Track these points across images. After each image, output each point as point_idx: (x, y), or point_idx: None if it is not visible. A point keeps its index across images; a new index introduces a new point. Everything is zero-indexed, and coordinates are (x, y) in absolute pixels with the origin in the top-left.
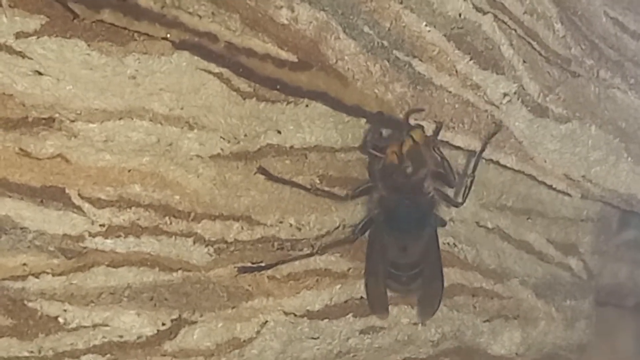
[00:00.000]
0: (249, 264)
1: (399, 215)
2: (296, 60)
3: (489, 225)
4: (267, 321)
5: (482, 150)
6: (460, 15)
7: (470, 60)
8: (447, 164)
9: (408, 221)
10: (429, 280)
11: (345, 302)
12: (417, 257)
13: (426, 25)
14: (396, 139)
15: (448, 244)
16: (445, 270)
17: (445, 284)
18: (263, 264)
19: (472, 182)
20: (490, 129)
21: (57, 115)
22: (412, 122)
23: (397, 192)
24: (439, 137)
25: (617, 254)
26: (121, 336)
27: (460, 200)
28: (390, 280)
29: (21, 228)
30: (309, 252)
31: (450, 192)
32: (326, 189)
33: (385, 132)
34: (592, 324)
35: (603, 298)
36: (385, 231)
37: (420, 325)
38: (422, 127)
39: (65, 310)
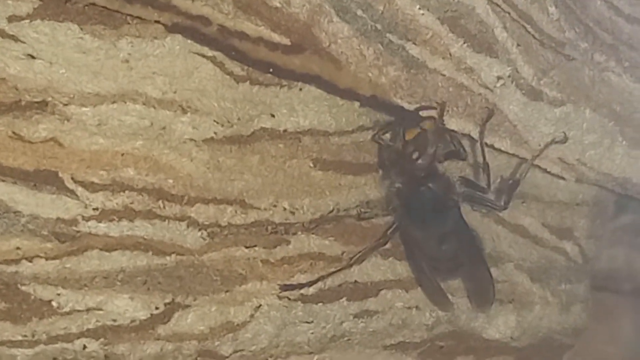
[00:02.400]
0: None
1: (418, 202)
2: (289, 43)
3: (483, 210)
4: (260, 305)
5: (482, 138)
6: None
7: (464, 43)
8: (456, 141)
9: (428, 206)
10: (472, 267)
11: (339, 285)
12: (450, 243)
13: (420, 9)
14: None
15: None
16: None
17: None
18: (304, 282)
19: (515, 186)
20: (484, 112)
21: (50, 98)
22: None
23: (411, 180)
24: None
25: (614, 239)
26: (115, 320)
27: (502, 204)
28: (436, 271)
29: (14, 212)
30: (345, 265)
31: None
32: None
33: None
34: (588, 307)
35: (600, 283)
36: (411, 225)
37: (414, 309)
38: (434, 118)
39: (58, 294)
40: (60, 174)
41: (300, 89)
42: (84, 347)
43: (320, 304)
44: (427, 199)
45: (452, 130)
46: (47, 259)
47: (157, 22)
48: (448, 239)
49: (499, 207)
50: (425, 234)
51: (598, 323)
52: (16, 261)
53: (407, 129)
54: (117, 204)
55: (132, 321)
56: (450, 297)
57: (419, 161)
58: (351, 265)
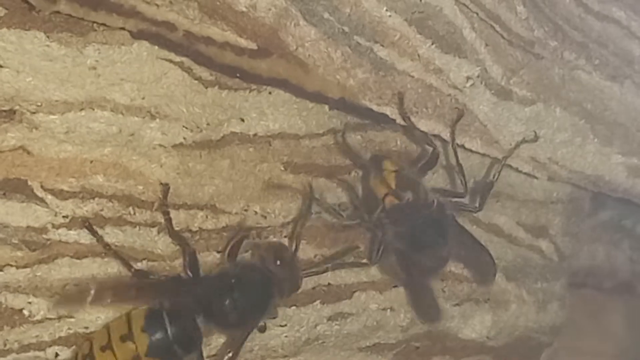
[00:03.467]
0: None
1: (423, 238)
2: (256, 47)
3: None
4: None
5: (453, 139)
6: None
7: (432, 44)
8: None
9: (433, 235)
10: (471, 255)
11: (313, 289)
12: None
13: (387, 10)
14: (377, 184)
15: None
16: None
17: None
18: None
19: (489, 187)
20: (454, 113)
21: (17, 107)
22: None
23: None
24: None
25: (593, 236)
26: (87, 327)
27: (477, 205)
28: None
29: None
30: (324, 269)
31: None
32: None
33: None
34: (565, 305)
35: (581, 280)
36: (413, 255)
37: (389, 310)
38: (382, 156)
39: (30, 303)
40: (29, 182)
41: (270, 93)
42: (56, 355)
43: (294, 307)
44: (428, 229)
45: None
46: (17, 267)
47: (122, 28)
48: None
49: (473, 208)
50: (429, 258)
51: (579, 320)
52: None
53: (383, 179)
54: (87, 211)
55: None
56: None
57: (418, 201)
58: (327, 271)
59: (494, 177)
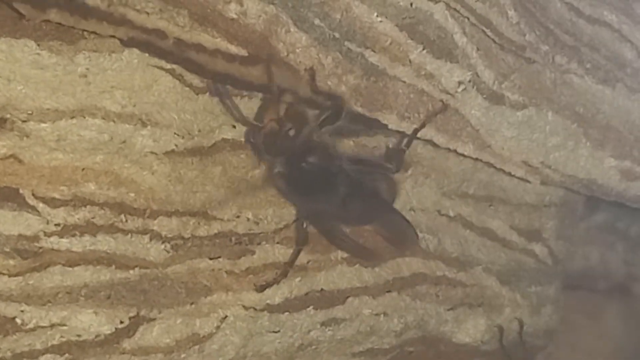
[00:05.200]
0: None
1: (304, 181)
2: (246, 54)
3: (451, 214)
4: (226, 316)
5: (422, 126)
6: (411, 4)
7: (424, 49)
8: (332, 103)
9: (316, 180)
10: (384, 218)
11: (306, 294)
12: (353, 204)
13: (377, 16)
14: (268, 109)
15: None
16: (406, 259)
17: (407, 274)
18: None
19: (403, 153)
20: (446, 117)
21: (8, 115)
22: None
23: (289, 160)
24: None
25: (587, 238)
26: (79, 335)
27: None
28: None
29: None
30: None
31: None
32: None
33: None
34: (559, 309)
35: (575, 282)
36: (307, 203)
37: (382, 315)
38: (291, 88)
39: (22, 311)
40: (20, 191)
41: (261, 99)
42: None
43: (287, 313)
44: (312, 174)
45: (325, 93)
46: (9, 275)
47: (112, 36)
48: (349, 202)
49: (391, 169)
50: (324, 206)
51: (575, 319)
52: None
53: (275, 105)
54: (78, 219)
55: (97, 336)
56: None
57: (298, 137)
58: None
59: (405, 145)
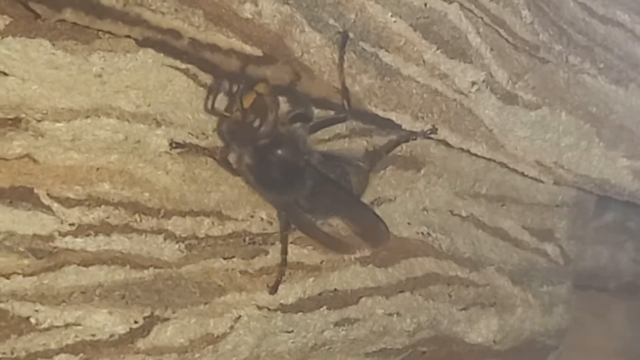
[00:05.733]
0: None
1: (271, 172)
2: (261, 54)
3: (463, 214)
4: (240, 316)
5: (342, 62)
6: (425, 4)
7: (438, 49)
8: (302, 101)
9: (282, 173)
10: (351, 212)
11: (319, 294)
12: (320, 198)
13: (392, 16)
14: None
15: (422, 233)
16: (419, 259)
17: (420, 274)
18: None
19: (380, 157)
20: (459, 118)
21: (23, 115)
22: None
23: (256, 151)
24: None
25: (597, 237)
26: (94, 335)
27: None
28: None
29: None
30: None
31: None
32: None
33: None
34: (571, 308)
35: (585, 281)
36: (275, 195)
37: (395, 315)
38: (266, 79)
39: (36, 311)
40: (35, 190)
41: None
42: None
43: (300, 313)
44: (278, 166)
45: (300, 92)
46: (24, 275)
47: (128, 36)
48: (316, 195)
49: (363, 168)
50: (292, 198)
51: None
52: None
53: (243, 96)
54: (93, 218)
55: (112, 336)
56: (342, 238)
57: (261, 129)
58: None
59: (387, 151)
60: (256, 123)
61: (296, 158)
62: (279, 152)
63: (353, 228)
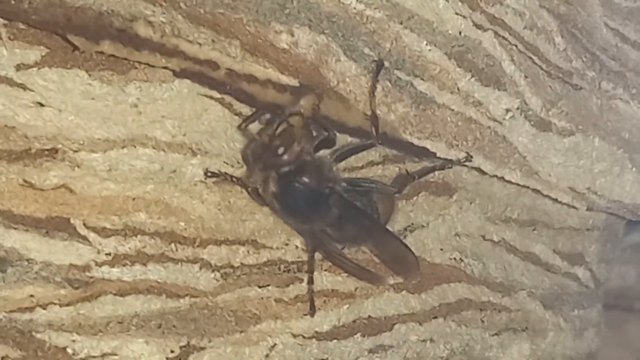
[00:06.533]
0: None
1: (296, 200)
2: (297, 84)
3: (495, 239)
4: (275, 344)
5: (374, 89)
6: (460, 33)
7: (472, 77)
8: (327, 127)
9: (307, 200)
10: (378, 242)
11: (354, 321)
12: (347, 226)
13: (427, 45)
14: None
15: (454, 258)
16: (452, 285)
17: (453, 299)
18: None
19: (412, 180)
20: (494, 145)
21: (60, 145)
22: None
23: (280, 178)
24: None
25: (624, 257)
26: None
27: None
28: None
29: (27, 260)
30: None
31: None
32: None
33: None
34: (601, 332)
35: (611, 301)
36: (300, 223)
37: (429, 342)
38: (301, 113)
39: (73, 341)
40: (72, 220)
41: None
42: None
43: (335, 340)
44: (302, 194)
45: (322, 115)
46: (61, 305)
47: (165, 68)
48: (342, 224)
49: (391, 190)
50: (318, 227)
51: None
52: (30, 309)
53: (276, 124)
54: (129, 248)
55: None
56: (374, 270)
57: (284, 156)
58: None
59: (420, 175)
60: (280, 150)
61: (320, 185)
62: (303, 179)
63: (382, 258)
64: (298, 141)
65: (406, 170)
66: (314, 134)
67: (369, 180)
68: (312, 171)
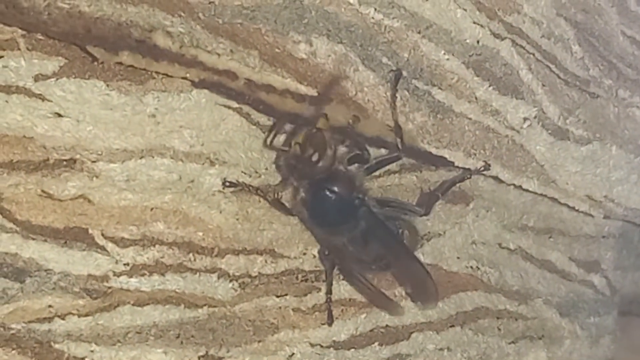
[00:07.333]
0: None
1: (325, 208)
2: (316, 94)
3: (511, 246)
4: (293, 353)
5: (394, 100)
6: (478, 42)
7: (490, 86)
8: (360, 143)
9: (336, 210)
10: (401, 264)
11: (371, 330)
12: (371, 242)
13: (444, 54)
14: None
15: (471, 267)
16: (469, 293)
17: (470, 308)
18: None
19: (437, 199)
20: (511, 154)
21: (78, 156)
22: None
23: (312, 185)
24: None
25: (637, 263)
26: None
27: (422, 210)
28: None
29: (46, 270)
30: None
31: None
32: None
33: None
34: (616, 339)
35: (625, 307)
36: (326, 233)
37: (446, 350)
38: (326, 114)
39: (92, 351)
40: (90, 231)
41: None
42: None
43: (353, 349)
44: (332, 202)
45: (358, 134)
46: (79, 315)
47: (184, 78)
48: (367, 239)
49: (418, 212)
50: (342, 239)
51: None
52: (49, 319)
53: (303, 131)
54: (147, 258)
55: None
56: (394, 299)
57: (320, 163)
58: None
59: (443, 192)
60: (315, 157)
61: (351, 196)
62: (335, 187)
63: (401, 282)
64: (329, 145)
65: (429, 189)
66: (346, 144)
67: (398, 200)
68: (344, 180)
